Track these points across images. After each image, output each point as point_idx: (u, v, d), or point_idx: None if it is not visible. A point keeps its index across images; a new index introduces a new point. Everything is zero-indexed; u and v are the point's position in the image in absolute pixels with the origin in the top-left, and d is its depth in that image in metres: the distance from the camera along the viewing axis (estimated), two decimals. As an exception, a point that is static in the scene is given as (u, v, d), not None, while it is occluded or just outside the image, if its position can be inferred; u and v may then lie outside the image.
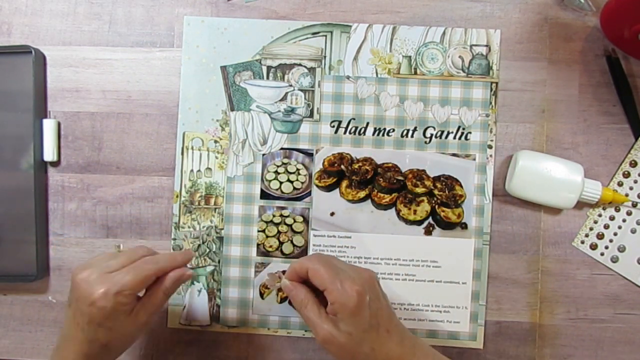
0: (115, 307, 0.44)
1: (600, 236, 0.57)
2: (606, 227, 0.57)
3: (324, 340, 0.44)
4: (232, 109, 0.58)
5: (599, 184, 0.55)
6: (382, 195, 0.58)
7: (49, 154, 0.58)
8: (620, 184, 0.57)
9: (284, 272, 0.50)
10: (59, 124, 0.58)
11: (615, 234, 0.57)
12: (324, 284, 0.44)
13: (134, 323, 0.46)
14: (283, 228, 0.58)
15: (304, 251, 0.58)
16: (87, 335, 0.44)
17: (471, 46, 0.58)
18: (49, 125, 0.58)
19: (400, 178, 0.57)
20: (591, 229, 0.57)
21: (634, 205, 0.57)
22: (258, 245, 0.58)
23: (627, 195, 0.57)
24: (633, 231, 0.57)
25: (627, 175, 0.57)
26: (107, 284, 0.44)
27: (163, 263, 0.47)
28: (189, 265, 0.49)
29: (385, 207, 0.58)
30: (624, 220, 0.57)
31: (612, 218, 0.57)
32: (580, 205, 0.56)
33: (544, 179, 0.54)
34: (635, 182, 0.57)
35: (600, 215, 0.57)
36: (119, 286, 0.44)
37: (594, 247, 0.57)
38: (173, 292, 0.48)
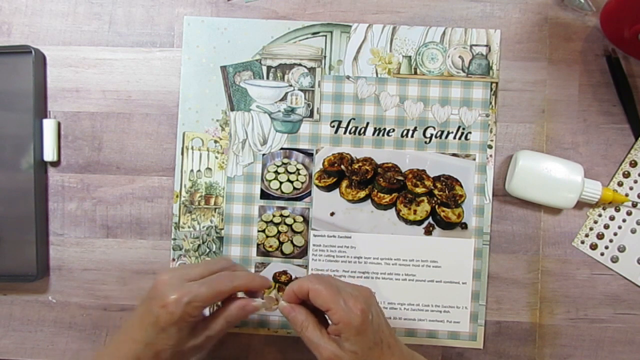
0: (182, 316, 0.44)
1: (600, 236, 0.57)
2: (606, 227, 0.57)
3: (328, 358, 0.44)
4: (232, 109, 0.58)
5: (599, 184, 0.55)
6: (382, 195, 0.57)
7: (49, 154, 0.58)
8: (620, 184, 0.57)
9: (281, 286, 0.49)
10: (59, 124, 0.58)
11: (615, 234, 0.57)
12: (326, 304, 0.44)
13: (192, 341, 0.46)
14: (283, 228, 0.58)
15: (304, 251, 0.58)
16: (146, 336, 0.45)
17: (471, 46, 0.58)
18: (49, 125, 0.58)
19: (400, 178, 0.57)
20: (591, 229, 0.57)
21: (634, 205, 0.57)
22: (258, 245, 0.58)
23: (627, 195, 0.57)
24: (633, 231, 0.57)
25: (627, 175, 0.57)
26: (181, 291, 0.44)
27: (239, 282, 0.47)
28: (269, 298, 0.49)
29: (385, 207, 0.58)
30: (624, 220, 0.57)
31: (612, 218, 0.57)
32: (581, 205, 0.56)
33: (544, 179, 0.54)
34: (636, 182, 0.57)
35: (600, 215, 0.57)
36: (191, 296, 0.44)
37: (594, 247, 0.57)
38: (236, 322, 0.48)
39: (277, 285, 0.57)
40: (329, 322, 0.45)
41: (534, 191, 0.55)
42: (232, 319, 0.47)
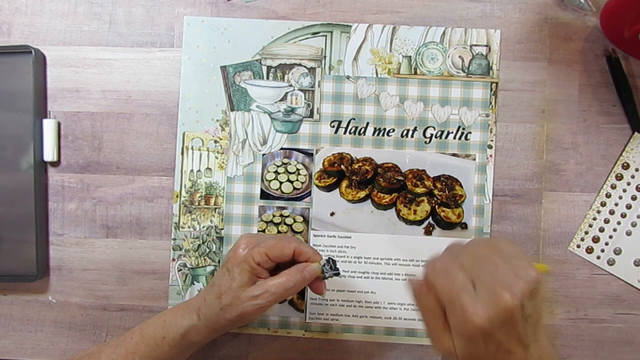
0: (246, 257, 0.47)
1: (596, 239, 0.57)
2: (601, 230, 0.57)
3: (442, 350, 0.39)
4: (232, 109, 0.58)
5: None
6: (382, 195, 0.57)
7: (49, 154, 0.58)
8: (613, 187, 0.57)
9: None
10: (59, 124, 0.58)
11: (610, 237, 0.57)
12: (442, 302, 0.38)
13: (250, 291, 0.46)
14: (283, 228, 0.58)
15: (304, 251, 0.58)
16: (215, 279, 0.49)
17: (471, 46, 0.58)
18: (49, 125, 0.58)
19: (400, 178, 0.57)
20: (586, 232, 0.57)
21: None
22: (258, 245, 0.58)
23: (620, 197, 0.57)
24: (628, 233, 0.57)
25: (620, 177, 0.57)
26: (251, 239, 0.48)
27: (305, 248, 0.48)
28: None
29: (385, 207, 0.58)
30: (618, 223, 0.57)
31: (607, 221, 0.57)
32: (581, 203, 0.56)
33: None
34: (629, 184, 0.57)
35: (595, 219, 0.57)
36: (257, 242, 0.47)
37: (589, 250, 0.57)
38: (294, 282, 0.46)
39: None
40: None
41: None
42: (292, 277, 0.46)
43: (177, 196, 0.58)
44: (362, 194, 0.58)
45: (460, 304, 0.36)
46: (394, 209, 0.58)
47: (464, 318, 0.36)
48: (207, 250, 0.58)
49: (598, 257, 0.57)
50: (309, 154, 0.58)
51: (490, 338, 0.36)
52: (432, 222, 0.57)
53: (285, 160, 0.58)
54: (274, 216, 0.58)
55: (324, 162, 0.58)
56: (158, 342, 0.48)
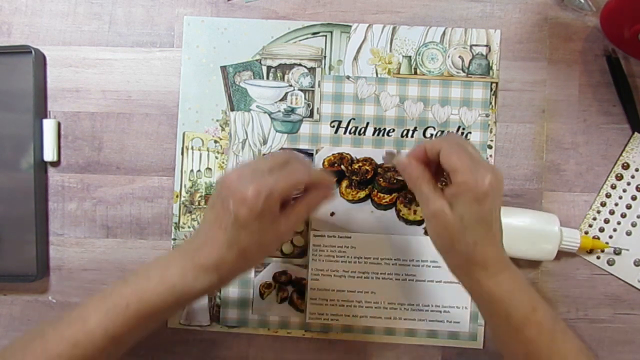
0: (263, 209, 0.41)
1: (596, 239, 0.57)
2: (601, 230, 0.57)
3: (433, 213, 0.43)
4: (232, 109, 0.58)
5: (577, 232, 0.55)
6: (382, 195, 0.58)
7: (49, 154, 0.58)
8: (613, 187, 0.57)
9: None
10: (59, 124, 0.58)
11: (610, 237, 0.57)
12: (455, 163, 0.42)
13: (274, 232, 0.43)
14: (283, 228, 0.58)
15: (303, 251, 0.58)
16: (228, 236, 0.42)
17: (471, 46, 0.58)
18: (49, 125, 0.58)
19: (400, 178, 0.57)
20: (586, 232, 0.57)
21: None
22: (258, 245, 0.58)
23: (620, 197, 0.57)
24: (628, 233, 0.57)
25: (620, 177, 0.57)
26: (258, 184, 0.41)
27: (314, 175, 0.46)
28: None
29: (385, 207, 0.58)
30: (618, 223, 0.57)
31: (607, 221, 0.57)
32: (580, 205, 0.56)
33: (520, 233, 0.54)
34: (629, 184, 0.57)
35: (595, 219, 0.57)
36: (269, 188, 0.41)
37: (589, 250, 0.57)
38: (315, 209, 0.47)
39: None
40: (450, 185, 0.43)
41: (512, 247, 0.52)
42: (312, 207, 0.46)
43: (177, 196, 0.58)
44: (362, 194, 0.58)
45: (476, 167, 0.41)
46: (394, 209, 0.58)
47: (477, 180, 0.41)
48: (207, 250, 0.58)
49: (598, 257, 0.57)
50: (309, 154, 0.58)
51: (491, 200, 0.41)
52: (432, 222, 0.57)
53: (285, 160, 0.58)
54: (274, 216, 0.58)
55: (324, 162, 0.58)
56: (170, 305, 0.44)
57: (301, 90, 0.58)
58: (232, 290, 0.58)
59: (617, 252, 0.57)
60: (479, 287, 0.44)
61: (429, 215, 0.44)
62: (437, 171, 0.46)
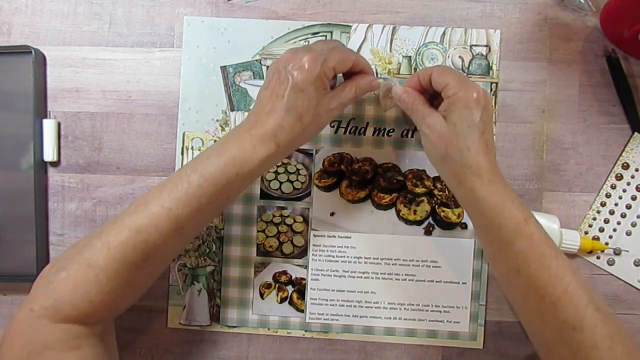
0: (320, 74, 0.45)
1: (596, 240, 0.57)
2: (601, 230, 0.57)
3: (428, 125, 0.47)
4: (232, 109, 0.58)
5: (576, 233, 0.55)
6: (382, 195, 0.58)
7: (49, 154, 0.58)
8: (613, 187, 0.57)
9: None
10: (59, 124, 0.58)
11: (610, 237, 0.57)
12: (447, 79, 0.46)
13: (326, 105, 0.47)
14: (283, 228, 0.58)
15: (304, 251, 0.58)
16: (286, 101, 0.45)
17: (471, 46, 0.58)
18: (49, 125, 0.58)
19: (400, 178, 0.57)
20: (586, 232, 0.57)
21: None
22: (258, 245, 0.58)
23: (620, 197, 0.57)
24: (628, 233, 0.57)
25: (619, 177, 0.57)
26: (315, 52, 0.45)
27: (360, 58, 0.50)
28: None
29: (385, 207, 0.58)
30: (618, 223, 0.57)
31: (606, 221, 0.57)
32: (580, 205, 0.56)
33: None
34: (629, 184, 0.57)
35: (594, 219, 0.57)
36: (324, 56, 0.45)
37: (589, 251, 0.57)
38: (362, 93, 0.50)
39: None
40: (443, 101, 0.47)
41: None
42: (360, 90, 0.49)
43: (177, 196, 0.58)
44: (362, 194, 0.58)
45: (464, 82, 0.46)
46: (394, 209, 0.58)
47: (466, 90, 0.45)
48: (207, 250, 0.58)
49: (598, 257, 0.57)
50: (308, 154, 0.58)
51: (482, 108, 0.45)
52: (432, 222, 0.57)
53: (285, 160, 0.58)
54: (273, 216, 0.58)
55: (323, 162, 0.58)
56: (230, 180, 0.44)
57: (301, 90, 0.58)
58: (232, 290, 0.58)
59: (617, 252, 0.57)
60: (473, 195, 0.45)
61: (424, 129, 0.47)
62: (431, 102, 0.50)
